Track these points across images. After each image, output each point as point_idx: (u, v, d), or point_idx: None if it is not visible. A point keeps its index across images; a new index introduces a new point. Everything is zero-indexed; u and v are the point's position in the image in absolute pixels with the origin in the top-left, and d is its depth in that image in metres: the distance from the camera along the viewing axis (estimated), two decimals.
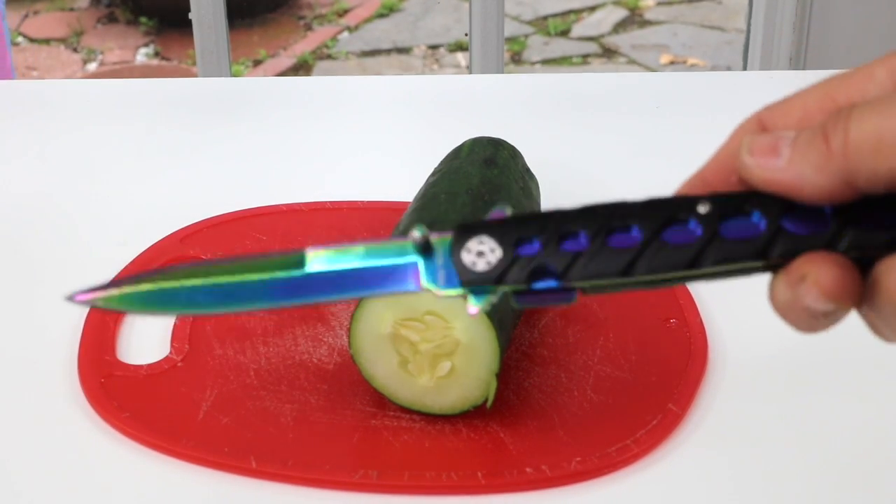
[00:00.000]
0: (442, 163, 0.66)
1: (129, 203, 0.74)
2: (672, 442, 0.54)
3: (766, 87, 0.97)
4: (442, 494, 0.52)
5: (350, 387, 0.56)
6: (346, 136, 0.83)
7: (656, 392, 0.57)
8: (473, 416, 0.55)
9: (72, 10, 2.88)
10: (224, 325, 0.61)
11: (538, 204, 0.66)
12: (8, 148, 0.82)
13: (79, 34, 2.77)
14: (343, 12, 2.85)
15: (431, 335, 0.54)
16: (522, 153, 0.68)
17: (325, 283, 0.38)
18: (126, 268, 0.66)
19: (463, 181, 0.62)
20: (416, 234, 0.37)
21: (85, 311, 0.62)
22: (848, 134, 0.35)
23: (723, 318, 0.62)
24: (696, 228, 0.37)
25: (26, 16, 2.86)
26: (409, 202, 0.63)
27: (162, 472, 0.53)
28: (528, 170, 0.67)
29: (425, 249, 0.37)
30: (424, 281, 0.37)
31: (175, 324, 0.61)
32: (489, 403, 0.54)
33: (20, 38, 2.77)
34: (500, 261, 0.36)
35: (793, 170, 0.36)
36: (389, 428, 0.55)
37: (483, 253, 0.36)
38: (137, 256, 0.67)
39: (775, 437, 0.55)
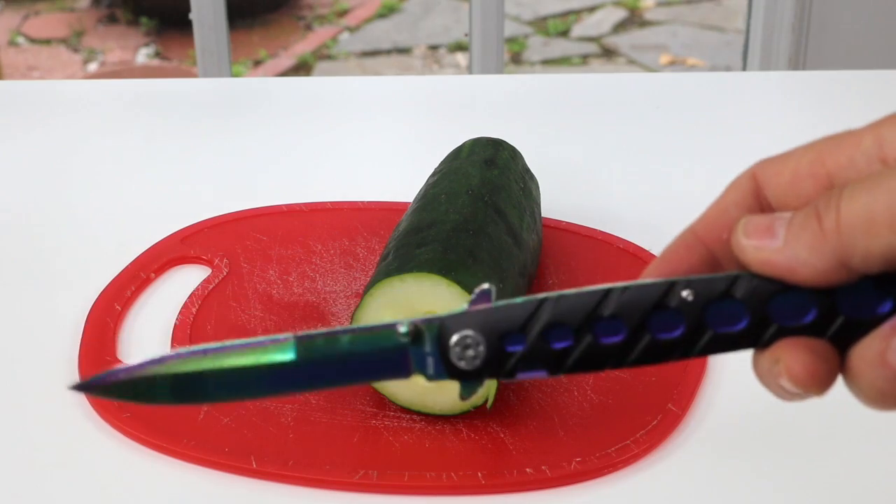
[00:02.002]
0: (442, 163, 0.66)
1: (130, 203, 0.75)
2: (672, 442, 0.54)
3: (765, 87, 0.97)
4: (442, 495, 0.52)
5: (350, 387, 0.57)
6: (346, 137, 0.83)
7: (656, 392, 0.57)
8: (474, 416, 0.55)
9: (72, 10, 2.88)
10: (225, 325, 0.61)
11: (538, 204, 0.66)
12: (8, 148, 0.82)
13: (79, 34, 2.78)
14: (343, 13, 2.85)
15: None
16: (522, 153, 0.68)
17: (315, 375, 0.38)
18: (127, 268, 0.66)
19: (463, 181, 0.62)
20: (403, 328, 0.37)
21: (86, 311, 0.62)
22: (840, 213, 0.36)
23: None
24: (681, 320, 0.37)
25: (27, 16, 2.86)
26: (409, 202, 0.63)
27: (162, 472, 0.53)
28: (527, 170, 0.67)
29: (414, 339, 0.37)
30: (414, 368, 0.37)
31: (175, 324, 0.62)
32: (489, 404, 0.54)
33: (20, 39, 2.77)
34: (486, 357, 0.36)
35: (788, 252, 0.36)
36: (390, 428, 0.55)
37: (469, 347, 0.36)
38: (138, 257, 0.67)
39: (775, 437, 0.55)
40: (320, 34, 2.79)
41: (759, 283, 0.37)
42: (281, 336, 0.38)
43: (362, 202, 0.73)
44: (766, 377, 0.38)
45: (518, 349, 0.36)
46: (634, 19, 2.77)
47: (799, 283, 0.36)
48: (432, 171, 0.66)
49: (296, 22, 2.83)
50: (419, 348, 0.37)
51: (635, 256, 0.67)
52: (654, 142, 0.82)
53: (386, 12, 2.84)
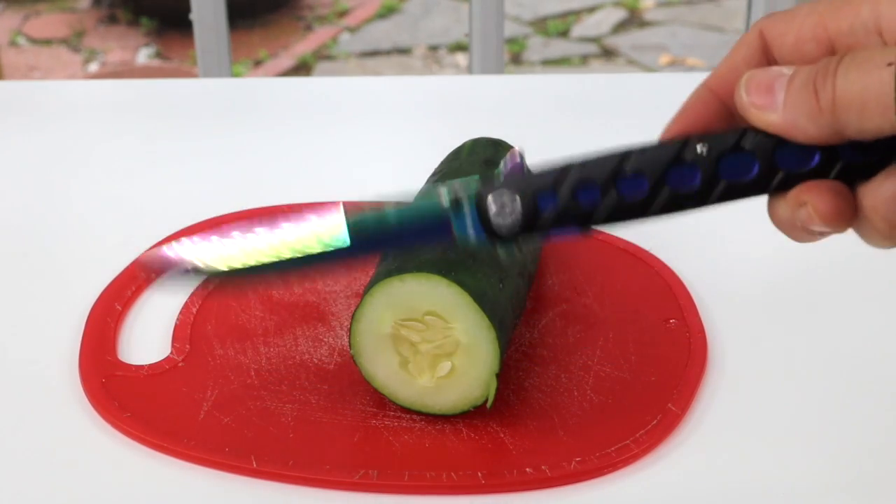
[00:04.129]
0: (442, 163, 0.66)
1: (130, 203, 0.75)
2: (671, 442, 0.55)
3: None
4: (442, 494, 0.52)
5: (350, 387, 0.57)
6: (346, 137, 0.83)
7: (656, 392, 0.57)
8: (474, 416, 0.55)
9: (73, 10, 2.88)
10: (225, 325, 0.62)
11: None
12: (8, 148, 0.82)
13: (80, 35, 2.78)
14: (343, 13, 2.86)
15: (432, 335, 0.54)
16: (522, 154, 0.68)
17: (368, 250, 0.43)
18: (127, 268, 0.66)
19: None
20: (445, 199, 0.41)
21: (86, 311, 0.63)
22: (835, 92, 0.38)
23: (722, 318, 0.62)
24: (697, 173, 0.40)
25: (27, 16, 2.86)
26: (409, 202, 0.63)
27: (163, 472, 0.53)
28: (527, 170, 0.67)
29: (455, 207, 0.41)
30: (456, 234, 0.41)
31: (176, 324, 0.62)
32: (489, 404, 0.54)
33: (21, 39, 2.77)
34: (522, 216, 0.40)
35: (787, 116, 0.39)
36: (390, 428, 0.55)
37: (505, 207, 0.40)
38: (138, 257, 0.67)
39: (774, 437, 0.55)
40: (320, 34, 2.79)
41: (765, 136, 0.40)
42: (334, 221, 0.42)
43: (363, 202, 0.73)
44: (787, 222, 0.41)
45: (550, 207, 0.40)
46: (634, 20, 2.78)
47: (798, 142, 0.39)
48: (432, 171, 0.66)
49: (296, 22, 2.83)
50: (460, 215, 0.41)
51: (635, 256, 0.67)
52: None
53: (386, 13, 2.84)
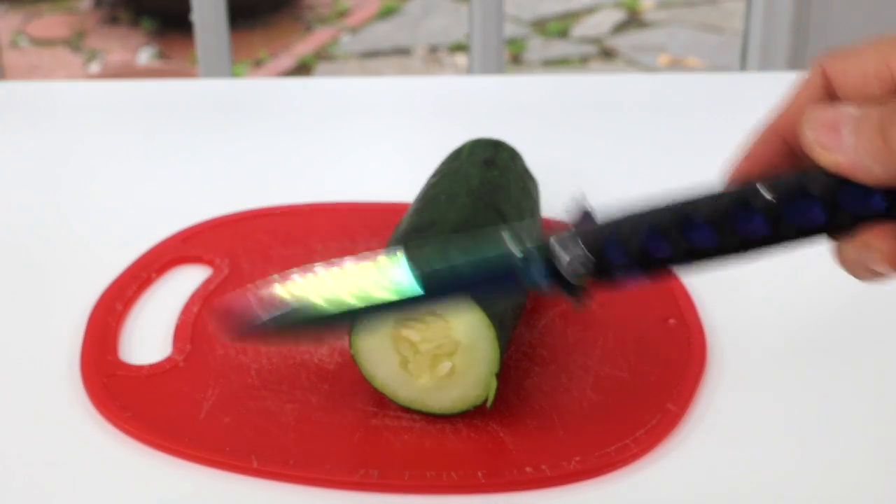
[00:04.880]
0: (442, 164, 0.66)
1: (131, 204, 0.75)
2: (671, 442, 0.55)
3: (764, 87, 0.97)
4: (442, 494, 0.52)
5: (351, 386, 0.57)
6: (346, 137, 0.83)
7: (655, 392, 0.57)
8: (474, 415, 0.55)
9: (74, 11, 2.88)
10: None
11: (538, 205, 0.66)
12: (8, 148, 0.82)
13: (81, 35, 2.78)
14: (343, 13, 2.86)
15: (432, 335, 0.54)
16: (522, 154, 0.68)
17: (439, 295, 0.43)
18: (128, 268, 0.66)
19: (463, 182, 0.62)
20: (513, 248, 0.42)
21: (87, 310, 0.63)
22: None
23: (722, 318, 0.63)
24: (764, 219, 0.41)
25: (28, 17, 2.86)
26: (409, 203, 0.63)
27: (164, 472, 0.53)
28: (527, 171, 0.67)
29: (524, 258, 0.42)
30: (527, 286, 0.42)
31: (177, 324, 0.62)
32: (489, 403, 0.54)
33: (22, 40, 2.77)
34: (592, 266, 0.41)
35: (853, 159, 0.39)
36: (390, 428, 0.55)
37: (575, 258, 0.41)
38: (139, 257, 0.67)
39: (774, 437, 0.55)
40: (321, 35, 2.79)
41: (829, 177, 0.40)
42: (403, 273, 0.43)
43: (362, 202, 0.73)
44: (854, 263, 0.42)
45: (619, 256, 0.41)
46: (633, 20, 2.78)
47: (865, 184, 0.40)
48: (432, 171, 0.66)
49: (296, 23, 2.83)
50: (530, 265, 0.42)
51: None
52: (653, 142, 0.82)
53: (386, 13, 2.84)
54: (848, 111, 0.40)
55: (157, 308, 0.64)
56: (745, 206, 0.41)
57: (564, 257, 0.41)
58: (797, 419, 0.56)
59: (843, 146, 0.40)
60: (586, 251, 0.41)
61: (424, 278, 0.43)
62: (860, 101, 0.41)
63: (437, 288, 0.43)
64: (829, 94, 0.43)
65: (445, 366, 0.54)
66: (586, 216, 0.42)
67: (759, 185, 0.41)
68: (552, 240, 0.42)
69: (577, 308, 0.42)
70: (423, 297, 0.43)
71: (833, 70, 0.42)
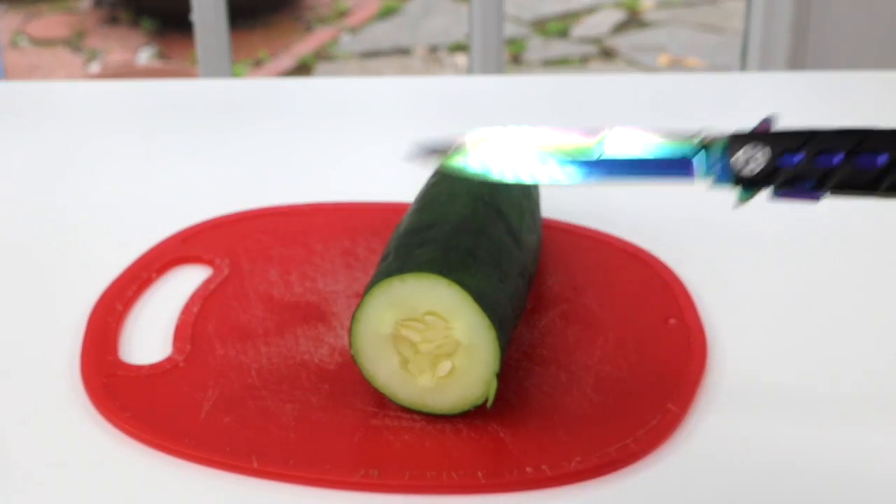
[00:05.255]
0: None
1: (130, 204, 0.75)
2: (672, 442, 0.55)
3: (764, 88, 0.97)
4: (442, 494, 0.52)
5: (351, 387, 0.57)
6: (346, 137, 0.83)
7: (656, 392, 0.57)
8: (474, 415, 0.55)
9: (74, 11, 2.88)
10: (226, 325, 0.62)
11: (538, 204, 0.66)
12: (8, 148, 0.82)
13: (81, 35, 2.78)
14: (343, 13, 2.86)
15: (432, 335, 0.54)
16: None
17: (616, 166, 0.48)
18: (128, 268, 0.66)
19: (463, 182, 0.62)
20: (696, 139, 0.47)
21: (87, 310, 0.63)
22: None
23: (722, 318, 0.63)
24: None
25: (29, 17, 2.86)
26: (409, 203, 0.63)
27: (164, 472, 0.53)
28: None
29: (706, 150, 0.47)
30: (699, 174, 0.47)
31: (177, 324, 0.62)
32: (489, 403, 0.54)
33: (22, 40, 2.77)
34: (766, 167, 0.45)
35: None
36: (390, 428, 0.55)
37: (752, 159, 0.45)
38: (139, 257, 0.67)
39: (775, 437, 0.55)
40: (321, 35, 2.79)
41: None
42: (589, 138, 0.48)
43: (363, 202, 0.73)
44: None
45: (790, 165, 0.44)
46: (633, 20, 2.78)
47: None
48: (432, 171, 0.66)
49: (296, 23, 2.84)
50: (709, 158, 0.46)
51: (635, 256, 0.67)
52: None
53: (386, 13, 2.84)
54: None
55: (157, 308, 0.64)
56: None
57: (741, 155, 0.45)
58: (798, 419, 0.56)
59: None
60: (762, 152, 0.45)
61: (607, 141, 0.48)
62: None
63: (616, 159, 0.48)
64: None
65: (446, 366, 0.54)
66: (767, 128, 0.45)
67: None
68: (732, 138, 0.46)
69: (740, 203, 0.46)
70: (603, 163, 0.48)
71: None
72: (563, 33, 2.73)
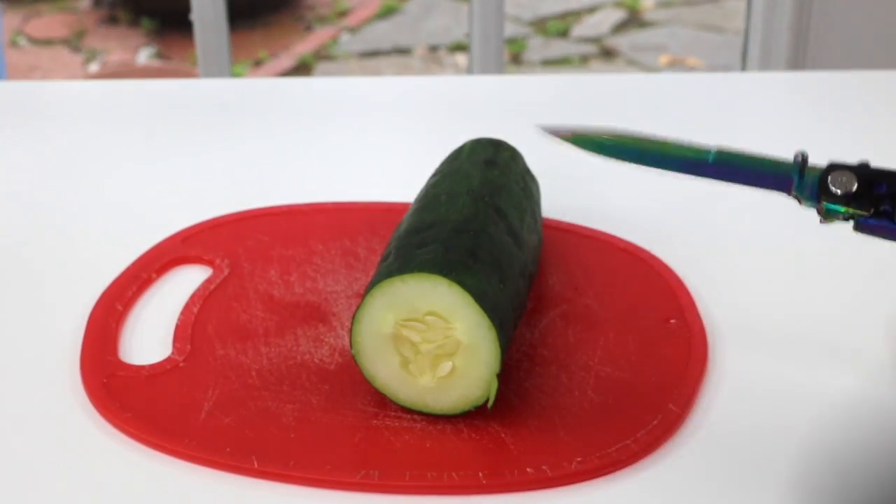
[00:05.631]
0: (443, 164, 0.66)
1: (130, 203, 0.75)
2: (672, 442, 0.55)
3: (764, 87, 0.97)
4: (443, 494, 0.52)
5: (351, 387, 0.57)
6: (346, 137, 0.83)
7: (657, 392, 0.57)
8: (474, 416, 0.55)
9: (73, 11, 2.88)
10: (226, 325, 0.62)
11: (539, 205, 0.66)
12: (9, 148, 0.82)
13: (80, 35, 2.78)
14: (343, 13, 2.86)
15: (432, 336, 0.54)
16: (522, 154, 0.68)
17: (721, 169, 0.54)
18: (128, 268, 0.66)
19: (464, 182, 0.62)
20: (798, 158, 0.52)
21: (87, 311, 0.63)
22: None
23: (723, 318, 0.62)
24: None
25: (28, 17, 2.86)
26: (409, 203, 0.63)
27: (164, 472, 0.53)
28: (528, 171, 0.67)
29: (801, 169, 0.52)
30: (794, 190, 0.52)
31: (177, 324, 0.62)
32: (490, 404, 0.54)
33: (22, 40, 2.77)
34: (854, 192, 0.50)
35: None
36: (391, 428, 0.55)
37: (844, 183, 0.50)
38: (139, 257, 0.67)
39: (775, 437, 0.55)
40: (320, 35, 2.79)
41: None
42: (705, 148, 0.54)
43: (363, 202, 0.73)
44: None
45: (883, 188, 0.49)
46: (634, 20, 2.78)
47: None
48: (433, 171, 0.66)
49: (296, 22, 2.84)
50: (804, 178, 0.52)
51: (636, 256, 0.67)
52: None
53: (386, 13, 2.84)
54: None
55: (157, 308, 0.64)
56: None
57: (832, 179, 0.50)
58: (799, 419, 0.56)
59: None
60: (853, 179, 0.50)
61: (719, 154, 0.54)
62: None
63: (724, 163, 0.54)
64: None
65: (446, 366, 0.54)
66: (864, 165, 0.50)
67: None
68: (828, 168, 0.51)
69: (824, 220, 0.52)
70: (713, 164, 0.54)
71: None
72: (563, 33, 2.73)
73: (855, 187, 0.50)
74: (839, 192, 0.50)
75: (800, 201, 0.53)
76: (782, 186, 0.53)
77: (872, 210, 0.50)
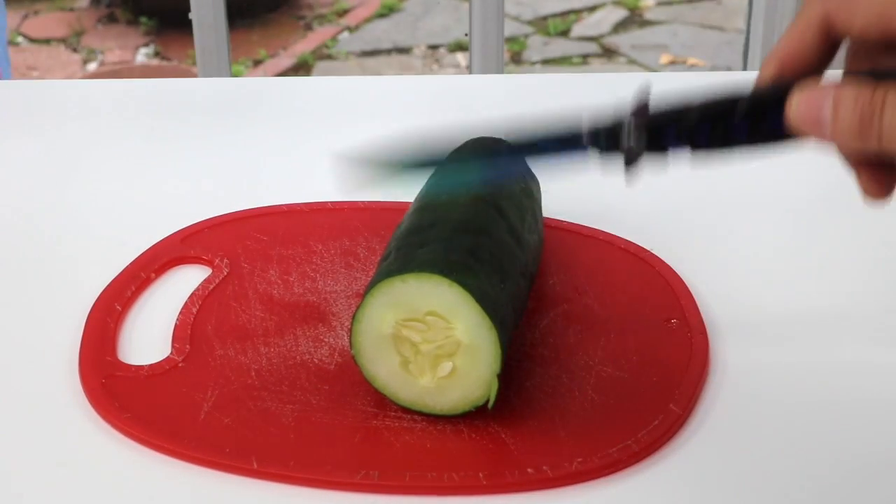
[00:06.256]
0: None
1: (129, 203, 0.74)
2: (673, 442, 0.54)
3: None
4: (443, 495, 0.52)
5: (351, 387, 0.57)
6: (346, 137, 0.83)
7: (657, 392, 0.57)
8: (475, 416, 0.55)
9: (72, 10, 2.88)
10: (225, 325, 0.61)
11: (539, 205, 0.66)
12: (8, 148, 0.82)
13: (79, 34, 2.78)
14: (343, 12, 2.86)
15: (433, 336, 0.54)
16: None
17: (520, 149, 0.53)
18: (128, 268, 0.66)
19: (465, 182, 0.62)
20: (587, 128, 0.52)
21: (86, 311, 0.62)
22: (882, 132, 0.43)
23: (724, 318, 0.62)
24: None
25: (26, 16, 2.86)
26: (409, 203, 0.63)
27: (163, 473, 0.53)
28: (528, 170, 0.67)
29: (593, 133, 0.52)
30: (590, 151, 0.51)
31: (176, 324, 0.62)
32: (490, 404, 0.54)
33: (20, 39, 2.77)
34: (646, 144, 0.50)
35: (836, 143, 0.45)
36: (391, 428, 0.55)
37: (634, 137, 0.50)
38: (138, 257, 0.67)
39: (776, 438, 0.55)
40: (320, 34, 2.79)
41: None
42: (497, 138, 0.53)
43: (362, 202, 0.73)
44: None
45: (670, 141, 0.49)
46: (634, 19, 2.77)
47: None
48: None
49: (296, 22, 2.83)
50: (597, 140, 0.51)
51: (636, 256, 0.67)
52: None
53: (386, 12, 2.84)
54: (828, 95, 0.45)
55: (156, 308, 0.64)
56: (779, 102, 0.47)
57: (624, 136, 0.50)
58: (799, 419, 0.56)
59: (826, 132, 0.45)
60: (643, 132, 0.50)
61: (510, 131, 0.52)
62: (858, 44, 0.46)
63: (520, 141, 0.52)
64: (827, 30, 0.48)
65: (446, 366, 0.54)
66: (644, 103, 0.50)
67: (789, 85, 0.47)
68: (617, 120, 0.51)
69: (628, 178, 0.51)
70: (509, 147, 0.53)
71: (836, 18, 0.47)
72: (563, 32, 2.73)
73: (645, 142, 0.50)
74: (632, 151, 0.50)
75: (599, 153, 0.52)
76: (580, 151, 0.52)
77: (667, 151, 0.50)
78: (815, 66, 0.49)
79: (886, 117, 0.43)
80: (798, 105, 0.46)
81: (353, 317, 0.54)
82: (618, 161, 0.51)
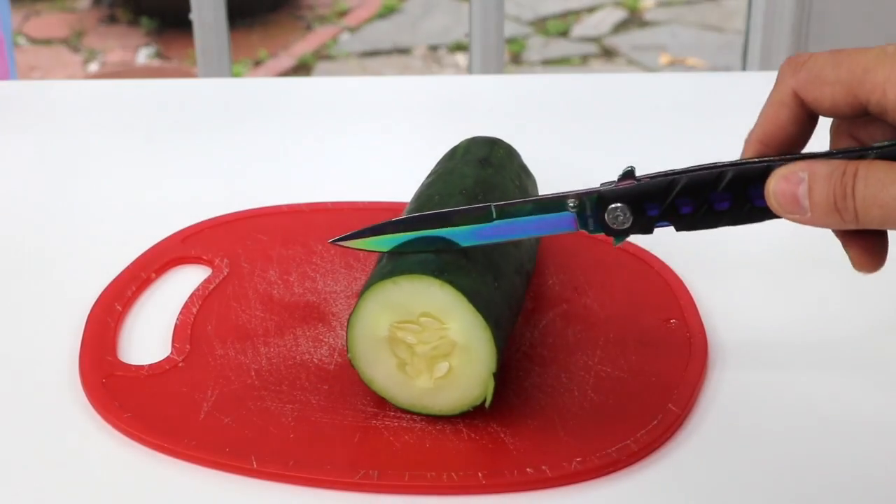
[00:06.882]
0: (438, 164, 0.66)
1: (130, 203, 0.75)
2: (672, 442, 0.54)
3: (765, 87, 0.97)
4: (442, 494, 0.52)
5: (351, 387, 0.57)
6: (346, 137, 0.83)
7: (656, 392, 0.57)
8: (474, 416, 0.55)
9: (73, 10, 2.88)
10: (225, 325, 0.62)
11: None
12: (8, 148, 0.82)
13: (80, 35, 2.78)
14: (343, 13, 2.85)
15: (427, 337, 0.54)
16: (522, 154, 0.68)
17: (507, 229, 0.53)
18: (128, 268, 0.66)
19: (457, 182, 0.62)
20: (572, 202, 0.52)
21: (87, 311, 0.63)
22: (857, 215, 0.44)
23: (723, 318, 0.62)
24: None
25: (27, 16, 2.86)
26: (408, 203, 0.63)
27: (163, 472, 0.53)
28: (524, 168, 0.67)
29: (579, 207, 0.52)
30: (579, 227, 0.52)
31: (176, 324, 0.62)
32: (488, 403, 0.54)
33: (22, 39, 2.77)
34: (633, 220, 0.51)
35: (815, 223, 0.46)
36: (390, 428, 0.55)
37: (619, 215, 0.51)
38: (138, 257, 0.67)
39: (776, 437, 0.55)
40: (320, 34, 2.79)
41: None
42: (483, 206, 0.53)
43: (362, 202, 0.73)
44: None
45: (655, 213, 0.51)
46: (634, 20, 2.77)
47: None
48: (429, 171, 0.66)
49: (296, 22, 2.83)
50: (584, 217, 0.52)
51: (634, 256, 0.67)
52: (653, 142, 0.82)
53: (386, 12, 2.84)
54: (804, 178, 0.46)
55: (156, 308, 0.64)
56: (761, 178, 0.48)
57: (609, 215, 0.52)
58: (799, 419, 0.56)
59: (804, 213, 0.46)
60: (627, 211, 0.51)
61: (498, 209, 0.53)
62: (818, 166, 0.46)
63: (507, 219, 0.53)
64: (803, 111, 0.48)
65: (443, 367, 0.54)
66: (629, 176, 0.51)
67: (773, 163, 0.47)
68: (600, 192, 0.52)
69: (616, 245, 0.52)
70: (496, 226, 0.53)
71: (806, 96, 0.47)
72: (563, 33, 2.73)
73: (632, 218, 0.51)
74: (620, 226, 0.52)
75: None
76: (568, 228, 0.53)
77: (653, 231, 0.52)
78: (796, 140, 0.49)
79: (859, 193, 0.44)
80: (776, 187, 0.46)
81: (348, 321, 0.54)
82: (605, 232, 0.53)
